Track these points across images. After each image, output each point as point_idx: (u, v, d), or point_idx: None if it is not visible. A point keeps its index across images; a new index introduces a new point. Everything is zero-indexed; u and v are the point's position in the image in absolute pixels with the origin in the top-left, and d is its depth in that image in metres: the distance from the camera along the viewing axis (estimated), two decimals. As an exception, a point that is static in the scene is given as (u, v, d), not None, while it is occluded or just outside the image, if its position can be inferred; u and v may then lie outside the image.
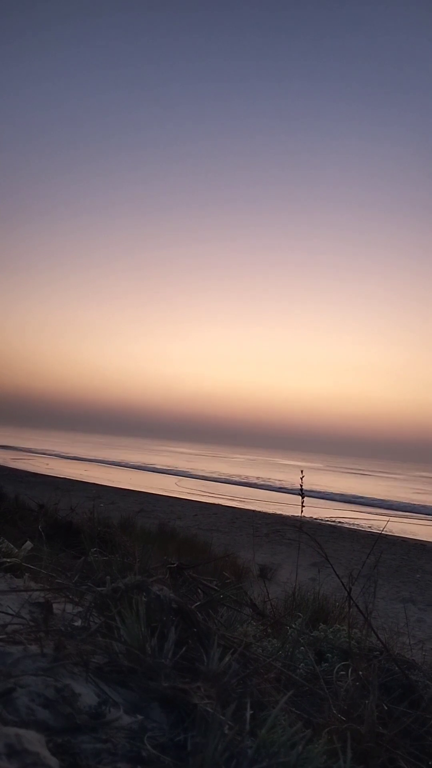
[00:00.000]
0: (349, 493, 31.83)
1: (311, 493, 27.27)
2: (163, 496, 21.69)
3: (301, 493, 3.23)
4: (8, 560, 2.24)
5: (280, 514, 18.76)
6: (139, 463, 45.53)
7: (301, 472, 3.35)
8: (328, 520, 19.09)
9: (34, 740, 0.99)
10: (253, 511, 19.64)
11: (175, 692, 1.26)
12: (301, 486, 3.22)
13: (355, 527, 18.34)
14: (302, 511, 3.22)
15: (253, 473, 45.96)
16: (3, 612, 1.56)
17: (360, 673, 1.73)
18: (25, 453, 45.73)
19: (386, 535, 14.98)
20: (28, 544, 2.58)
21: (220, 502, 21.90)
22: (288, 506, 21.63)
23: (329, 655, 2.03)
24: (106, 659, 1.37)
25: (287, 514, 18.65)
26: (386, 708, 1.57)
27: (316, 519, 18.41)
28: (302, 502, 3.19)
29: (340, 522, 19.35)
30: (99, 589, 1.75)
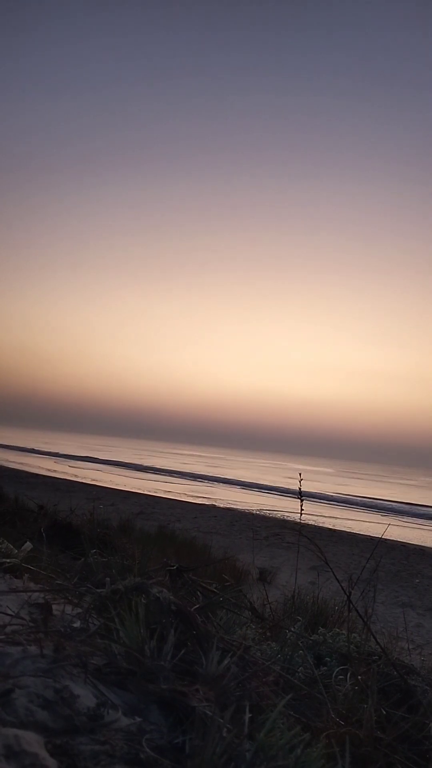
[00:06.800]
0: (351, 497, 31.78)
1: (313, 497, 27.25)
2: (162, 499, 21.67)
3: (300, 496, 3.24)
4: (8, 561, 2.25)
5: (280, 517, 18.75)
6: (140, 465, 45.51)
7: (299, 474, 3.37)
8: (328, 524, 19.06)
9: (32, 741, 0.99)
10: (253, 514, 19.62)
11: (173, 694, 1.26)
12: (300, 489, 3.23)
13: (354, 531, 18.31)
14: (301, 515, 3.23)
15: (255, 476, 45.91)
16: (2, 613, 1.56)
17: (359, 677, 1.73)
18: (25, 453, 45.71)
19: (386, 539, 14.94)
20: (28, 545, 2.58)
21: (219, 505, 21.88)
22: (288, 509, 21.60)
23: (328, 659, 2.03)
24: (105, 661, 1.37)
25: (287, 517, 18.63)
26: (385, 712, 1.57)
27: (316, 522, 18.39)
28: (301, 506, 3.20)
29: (340, 525, 19.33)
30: (98, 590, 1.75)
